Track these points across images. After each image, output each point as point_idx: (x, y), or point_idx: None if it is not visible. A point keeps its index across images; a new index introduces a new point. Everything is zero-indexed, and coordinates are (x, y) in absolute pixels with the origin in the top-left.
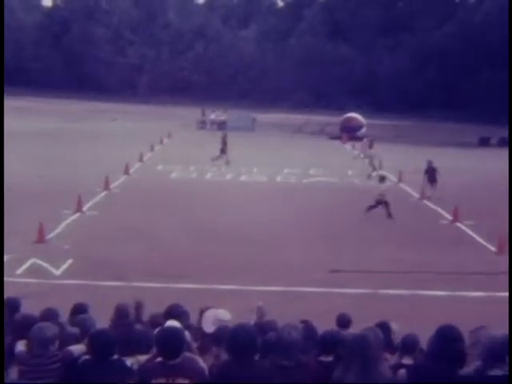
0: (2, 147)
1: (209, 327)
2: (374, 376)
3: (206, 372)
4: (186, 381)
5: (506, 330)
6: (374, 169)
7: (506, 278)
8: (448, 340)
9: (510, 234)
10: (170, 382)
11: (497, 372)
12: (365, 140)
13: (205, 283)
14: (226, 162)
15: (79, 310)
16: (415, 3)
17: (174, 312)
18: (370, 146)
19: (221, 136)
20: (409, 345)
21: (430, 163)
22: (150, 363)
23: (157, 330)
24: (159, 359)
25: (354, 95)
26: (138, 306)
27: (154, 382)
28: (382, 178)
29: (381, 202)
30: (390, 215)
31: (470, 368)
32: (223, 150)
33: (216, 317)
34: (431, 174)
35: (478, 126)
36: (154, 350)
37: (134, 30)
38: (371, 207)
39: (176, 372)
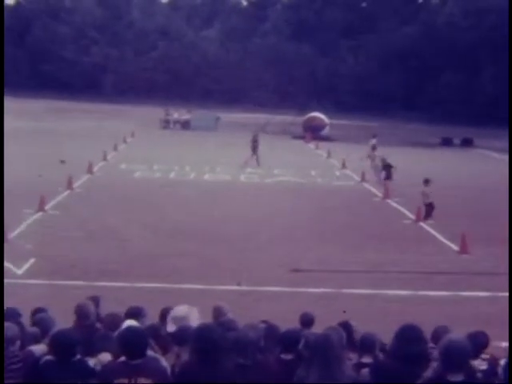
0: (2, 147)
1: (171, 326)
2: (337, 375)
3: (169, 371)
4: (149, 380)
5: (468, 330)
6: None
7: (468, 277)
8: (409, 340)
9: (510, 234)
10: (133, 381)
11: (458, 377)
12: (373, 141)
13: (169, 283)
14: (257, 163)
15: (39, 310)
16: (378, 4)
17: (133, 312)
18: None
19: (251, 136)
20: (367, 344)
21: (384, 160)
22: (112, 363)
23: (118, 330)
24: (122, 359)
25: (317, 95)
26: (96, 302)
27: (116, 382)
28: (427, 181)
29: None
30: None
31: (429, 370)
32: (254, 151)
33: (177, 315)
34: (387, 170)
35: (440, 127)
36: (117, 350)
37: (98, 29)
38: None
39: (138, 372)
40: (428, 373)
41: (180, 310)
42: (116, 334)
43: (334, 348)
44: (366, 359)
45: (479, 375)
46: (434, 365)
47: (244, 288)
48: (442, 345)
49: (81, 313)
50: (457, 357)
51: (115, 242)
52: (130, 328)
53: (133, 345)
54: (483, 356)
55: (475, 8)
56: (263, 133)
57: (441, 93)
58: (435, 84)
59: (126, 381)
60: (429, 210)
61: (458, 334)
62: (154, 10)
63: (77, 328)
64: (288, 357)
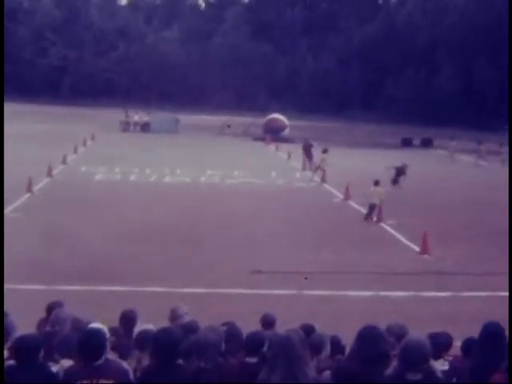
0: (2, 147)
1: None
2: (300, 377)
3: (130, 374)
4: (110, 382)
5: (429, 330)
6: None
7: (430, 277)
8: (370, 341)
9: (510, 234)
10: (94, 383)
11: (416, 376)
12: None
13: (129, 285)
14: (313, 169)
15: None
16: (338, 3)
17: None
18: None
19: (303, 145)
20: (314, 346)
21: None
22: (73, 366)
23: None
24: (83, 362)
25: (277, 96)
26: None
27: (77, 383)
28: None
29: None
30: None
31: (390, 369)
32: (309, 158)
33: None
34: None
35: (399, 127)
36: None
37: (56, 31)
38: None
39: (99, 373)
40: (388, 372)
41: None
42: (76, 336)
43: (297, 349)
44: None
45: (439, 375)
46: (395, 364)
47: (203, 290)
48: (402, 344)
49: (56, 319)
50: (415, 356)
51: (76, 245)
52: (88, 330)
53: (90, 346)
54: (446, 357)
55: (434, 8)
56: (224, 134)
57: (400, 92)
58: (394, 83)
59: (87, 382)
60: (370, 210)
61: (418, 334)
62: (113, 10)
63: (39, 332)
64: (253, 360)
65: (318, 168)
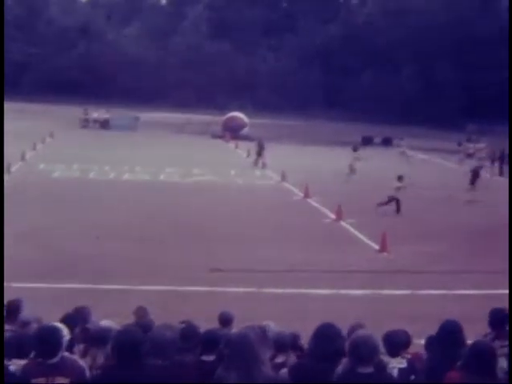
0: (2, 147)
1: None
2: (256, 375)
3: (87, 371)
4: (66, 380)
5: (389, 328)
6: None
7: (389, 275)
8: (327, 338)
9: (510, 234)
10: (50, 381)
11: (367, 370)
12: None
13: (90, 283)
14: (262, 166)
15: None
16: (299, 3)
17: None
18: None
19: (257, 141)
20: (281, 344)
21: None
22: (29, 364)
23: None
24: (39, 359)
25: (237, 94)
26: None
27: (33, 381)
28: (400, 177)
29: (393, 199)
30: (399, 211)
31: (341, 366)
32: (259, 153)
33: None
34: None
35: (360, 126)
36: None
37: (17, 27)
38: (383, 204)
39: (55, 371)
40: (340, 367)
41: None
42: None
43: (253, 347)
44: (279, 359)
45: (394, 372)
46: (344, 360)
47: (162, 287)
48: (351, 340)
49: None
50: (364, 351)
51: (34, 243)
52: (43, 327)
53: (46, 343)
54: (404, 354)
55: (394, 8)
56: (183, 132)
57: (361, 92)
58: (355, 83)
59: (43, 380)
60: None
61: (367, 330)
62: (74, 7)
63: None
64: (210, 358)
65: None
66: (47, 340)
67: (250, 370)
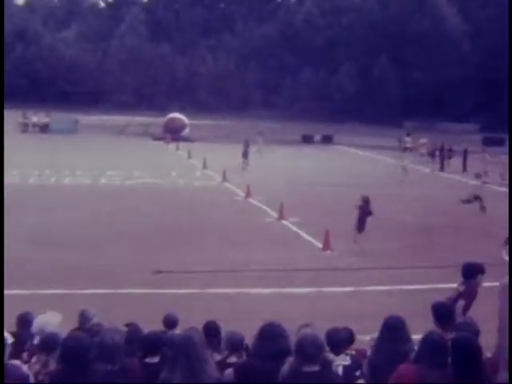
0: (2, 147)
1: (36, 339)
2: (201, 376)
3: (31, 378)
4: None
5: (332, 325)
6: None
7: (331, 273)
8: (270, 338)
9: (510, 235)
10: None
11: (312, 368)
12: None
13: (28, 288)
14: (243, 168)
15: None
16: (236, 4)
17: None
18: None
19: (243, 142)
20: (234, 344)
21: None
22: None
23: None
24: None
25: (177, 96)
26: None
27: None
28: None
29: (477, 198)
30: (483, 209)
31: (286, 365)
32: (245, 155)
33: (37, 326)
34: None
35: (299, 125)
36: None
37: None
38: (466, 201)
39: None
40: (285, 366)
41: (40, 320)
42: None
43: (197, 348)
44: (232, 359)
45: (339, 369)
46: (290, 359)
47: (104, 291)
48: (297, 339)
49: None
50: (309, 349)
51: None
52: None
53: None
54: (348, 351)
55: (332, 7)
56: (123, 134)
57: (299, 90)
58: (293, 82)
59: None
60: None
61: (311, 329)
62: (10, 11)
63: None
64: (154, 360)
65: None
66: None
67: (194, 370)
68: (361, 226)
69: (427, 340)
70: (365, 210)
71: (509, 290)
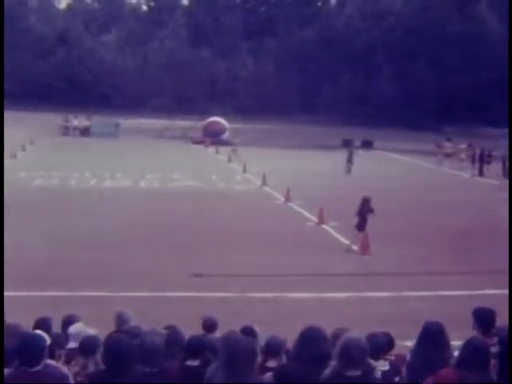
0: (2, 147)
1: (71, 343)
2: (242, 380)
3: (70, 378)
4: None
5: (371, 331)
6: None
7: (370, 278)
8: (311, 341)
9: (510, 235)
10: None
11: (354, 372)
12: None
13: (68, 290)
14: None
15: None
16: (277, 7)
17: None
18: None
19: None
20: (273, 348)
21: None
22: (11, 372)
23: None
24: (22, 368)
25: (217, 99)
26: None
27: None
28: None
29: None
30: None
31: (329, 369)
32: (350, 161)
33: (79, 333)
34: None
35: (338, 129)
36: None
37: None
38: None
39: (38, 378)
40: (328, 370)
41: (77, 325)
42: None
43: (239, 352)
44: (271, 363)
45: (378, 375)
46: (333, 363)
47: (144, 294)
48: (340, 343)
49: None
50: (354, 354)
51: (11, 251)
52: (27, 336)
53: (28, 353)
54: (387, 357)
55: (373, 11)
56: (163, 138)
57: (339, 95)
58: (333, 86)
59: None
60: None
61: (356, 333)
62: (52, 15)
63: None
64: (194, 363)
65: None
66: (29, 348)
67: (235, 374)
68: (361, 225)
69: (469, 345)
70: (364, 210)
71: (509, 291)
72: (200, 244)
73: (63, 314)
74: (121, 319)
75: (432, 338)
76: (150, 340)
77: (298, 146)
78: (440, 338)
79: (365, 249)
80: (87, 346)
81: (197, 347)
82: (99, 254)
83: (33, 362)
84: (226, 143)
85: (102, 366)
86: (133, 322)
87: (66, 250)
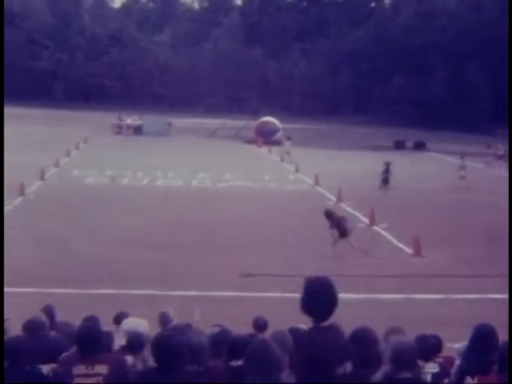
0: (2, 147)
1: (120, 340)
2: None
3: (128, 364)
4: (105, 368)
5: (421, 332)
6: None
7: (422, 280)
8: (362, 343)
9: (510, 235)
10: (89, 369)
11: (406, 375)
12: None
13: (119, 288)
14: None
15: None
16: (330, 8)
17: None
18: None
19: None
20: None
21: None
22: (68, 355)
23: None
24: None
25: (269, 99)
26: (49, 311)
27: (74, 370)
28: None
29: None
30: None
31: (380, 371)
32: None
33: (126, 329)
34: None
35: (390, 130)
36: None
37: (49, 35)
38: None
39: (94, 360)
40: (378, 373)
41: (129, 322)
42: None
43: (273, 353)
44: None
45: (429, 377)
46: (384, 367)
47: (193, 293)
48: (391, 346)
49: (33, 326)
50: (404, 356)
51: (66, 248)
52: (84, 325)
53: (87, 342)
54: (436, 359)
55: (425, 11)
56: (215, 137)
57: (391, 96)
58: (385, 87)
59: (83, 368)
60: None
61: (406, 335)
62: (105, 15)
63: (29, 337)
64: (238, 363)
65: None
66: (89, 338)
67: (267, 376)
68: (343, 233)
69: (505, 349)
70: (335, 222)
71: (509, 293)
72: (251, 244)
73: (114, 312)
74: (165, 318)
75: (483, 341)
76: (197, 339)
77: (349, 146)
78: (492, 341)
79: (417, 250)
80: (135, 344)
81: (241, 347)
82: (151, 253)
83: (90, 350)
84: (279, 143)
85: (150, 363)
86: (175, 322)
87: (118, 248)
